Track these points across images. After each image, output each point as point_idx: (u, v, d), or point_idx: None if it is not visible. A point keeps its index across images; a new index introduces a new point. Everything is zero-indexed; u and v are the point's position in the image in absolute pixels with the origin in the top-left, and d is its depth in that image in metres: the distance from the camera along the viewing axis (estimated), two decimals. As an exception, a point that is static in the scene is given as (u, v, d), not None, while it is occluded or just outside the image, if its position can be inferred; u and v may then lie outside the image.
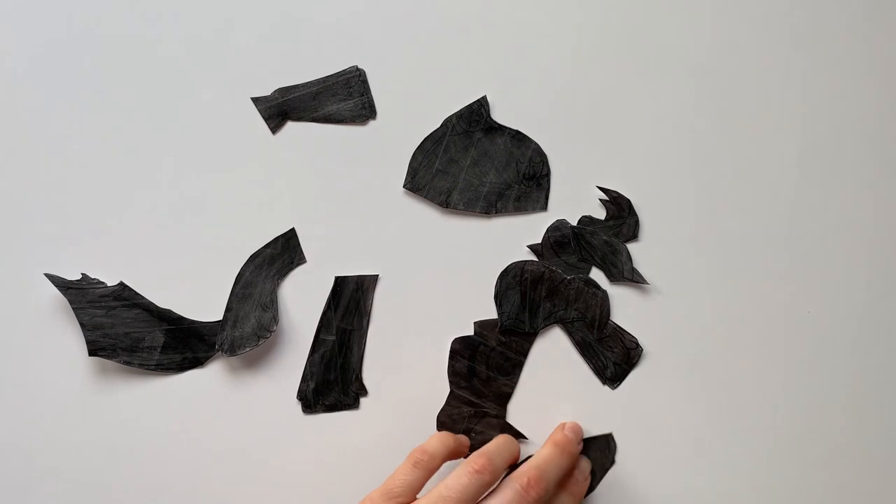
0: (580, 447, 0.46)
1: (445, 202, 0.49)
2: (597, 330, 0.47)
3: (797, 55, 0.49)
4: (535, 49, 0.49)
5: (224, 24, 0.49)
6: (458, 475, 0.42)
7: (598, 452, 0.47)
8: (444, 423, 0.47)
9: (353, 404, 0.48)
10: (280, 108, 0.49)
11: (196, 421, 0.47)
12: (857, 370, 0.48)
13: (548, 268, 0.47)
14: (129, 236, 0.48)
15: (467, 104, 0.49)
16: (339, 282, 0.48)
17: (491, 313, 0.48)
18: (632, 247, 0.48)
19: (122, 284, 0.48)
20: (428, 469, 0.43)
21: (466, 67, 0.49)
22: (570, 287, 0.47)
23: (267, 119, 0.49)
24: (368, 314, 0.48)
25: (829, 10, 0.50)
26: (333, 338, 0.48)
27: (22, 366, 0.48)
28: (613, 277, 0.48)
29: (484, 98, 0.49)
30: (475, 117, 0.49)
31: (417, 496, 0.42)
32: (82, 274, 0.47)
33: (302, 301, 0.48)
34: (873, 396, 0.48)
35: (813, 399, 0.48)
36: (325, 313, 0.48)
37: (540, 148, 0.49)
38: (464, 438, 0.47)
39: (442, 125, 0.49)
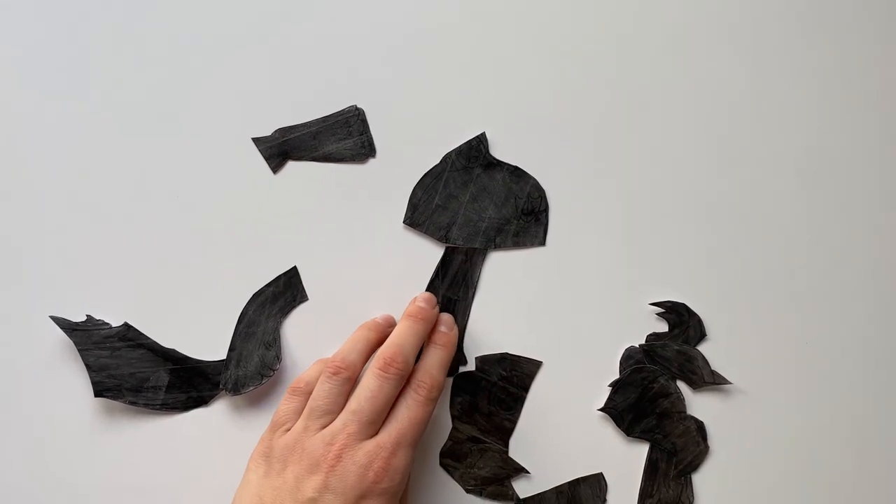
0: (436, 311, 0.47)
1: (445, 237, 0.49)
2: (675, 471, 0.47)
3: (805, 98, 0.50)
4: (533, 86, 0.50)
5: (225, 65, 0.50)
6: (319, 383, 0.43)
7: (588, 491, 0.47)
8: (446, 457, 0.48)
9: (453, 372, 0.48)
10: (281, 148, 0.50)
11: (201, 459, 0.48)
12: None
13: (678, 393, 0.47)
14: (133, 277, 0.49)
15: (466, 140, 0.50)
16: (449, 252, 0.49)
17: (488, 347, 0.48)
18: (703, 347, 0.48)
19: (126, 325, 0.48)
20: (305, 393, 0.44)
21: (465, 104, 0.50)
22: (682, 422, 0.47)
23: (268, 159, 0.50)
24: (475, 286, 0.49)
25: (830, 40, 0.50)
26: (438, 306, 0.48)
27: (29, 407, 0.48)
28: (696, 385, 0.48)
29: (483, 134, 0.50)
30: (474, 153, 0.50)
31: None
32: (87, 315, 0.48)
33: (305, 339, 0.49)
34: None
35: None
36: (432, 282, 0.49)
37: (538, 183, 0.49)
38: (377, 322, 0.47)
39: (441, 161, 0.50)
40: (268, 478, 0.41)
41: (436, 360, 0.45)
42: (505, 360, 0.48)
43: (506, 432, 0.48)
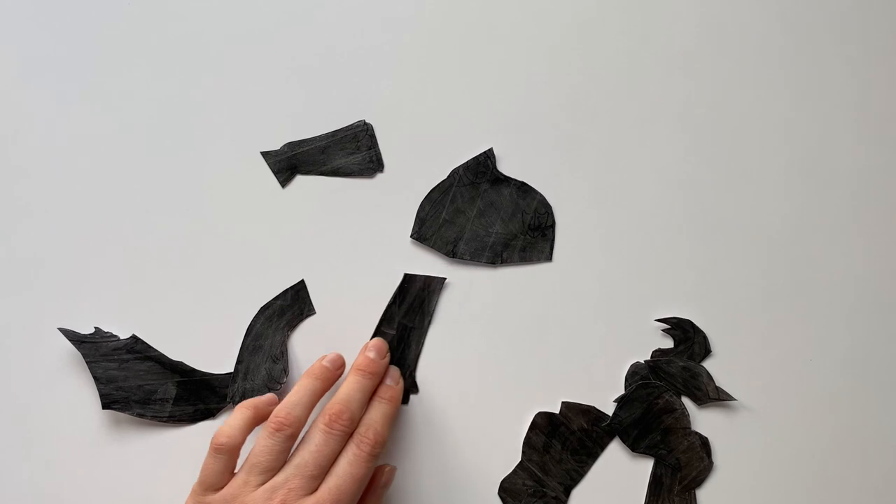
0: (385, 361, 0.47)
1: (452, 252, 0.49)
2: (680, 487, 0.47)
3: (815, 116, 0.50)
4: (540, 102, 0.50)
5: (234, 79, 0.50)
6: (261, 438, 0.42)
7: None
8: (507, 490, 0.48)
9: (403, 401, 0.48)
10: (289, 163, 0.50)
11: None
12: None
13: (682, 408, 0.48)
14: (142, 290, 0.49)
15: (474, 156, 0.50)
16: (407, 279, 0.49)
17: (495, 364, 0.49)
18: (708, 363, 0.48)
19: (134, 337, 0.48)
20: (231, 451, 0.43)
21: (473, 120, 0.50)
22: (686, 437, 0.47)
23: (276, 173, 0.50)
24: (431, 315, 0.49)
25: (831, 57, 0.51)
26: (394, 332, 0.49)
27: (37, 419, 0.48)
28: (701, 401, 0.48)
29: (490, 150, 0.50)
30: (481, 169, 0.50)
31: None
32: (95, 328, 0.48)
33: (312, 352, 0.49)
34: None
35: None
36: (389, 307, 0.49)
37: (545, 199, 0.50)
38: (264, 399, 0.46)
39: (449, 176, 0.50)
40: None
41: (380, 414, 0.45)
42: (590, 412, 0.48)
43: (570, 482, 0.48)
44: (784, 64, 0.50)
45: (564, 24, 0.51)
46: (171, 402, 0.48)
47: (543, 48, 0.51)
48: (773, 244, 0.49)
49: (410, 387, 0.49)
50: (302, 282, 0.49)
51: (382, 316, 0.49)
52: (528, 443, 0.48)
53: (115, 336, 0.48)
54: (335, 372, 0.46)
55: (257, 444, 0.42)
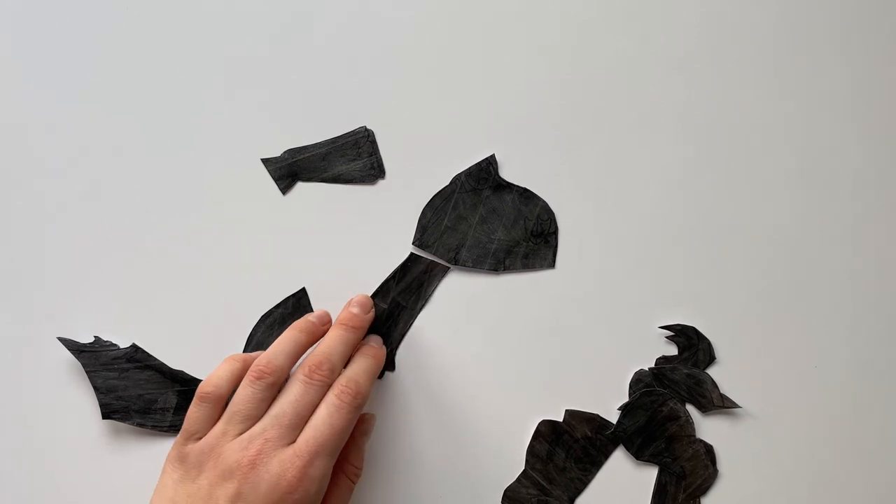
0: (370, 316, 0.47)
1: (454, 259, 0.49)
2: (684, 495, 0.47)
3: (821, 120, 0.50)
4: (542, 108, 0.50)
5: (234, 86, 0.50)
6: (241, 388, 0.42)
7: None
8: (510, 499, 0.47)
9: (381, 375, 0.48)
10: (290, 169, 0.49)
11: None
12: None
13: (687, 416, 0.47)
14: (141, 299, 0.49)
15: (476, 162, 0.50)
16: (412, 258, 0.49)
17: (498, 372, 0.48)
18: (713, 371, 0.48)
19: (134, 346, 0.48)
20: (215, 400, 0.42)
21: (474, 126, 0.50)
22: (691, 445, 0.47)
23: (277, 180, 0.49)
24: (426, 299, 0.49)
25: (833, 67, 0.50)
26: (385, 307, 0.49)
27: (37, 429, 0.48)
28: (705, 408, 0.48)
29: (492, 156, 0.50)
30: (484, 175, 0.50)
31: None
32: (95, 337, 0.48)
33: (313, 360, 0.49)
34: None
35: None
36: (386, 281, 0.49)
37: (548, 206, 0.49)
38: (254, 354, 0.45)
39: (451, 182, 0.50)
40: (183, 483, 0.41)
41: (363, 367, 0.44)
42: (594, 420, 0.48)
43: (574, 492, 0.48)
44: (786, 66, 0.50)
45: (565, 30, 0.50)
46: (172, 411, 0.48)
47: (545, 53, 0.50)
48: (778, 250, 0.49)
49: (388, 364, 0.48)
50: (303, 290, 0.49)
51: (378, 288, 0.49)
52: (531, 451, 0.48)
53: (115, 345, 0.48)
54: (321, 327, 0.45)
55: (237, 394, 0.42)
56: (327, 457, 0.41)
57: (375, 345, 0.47)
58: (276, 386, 0.42)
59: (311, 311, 0.49)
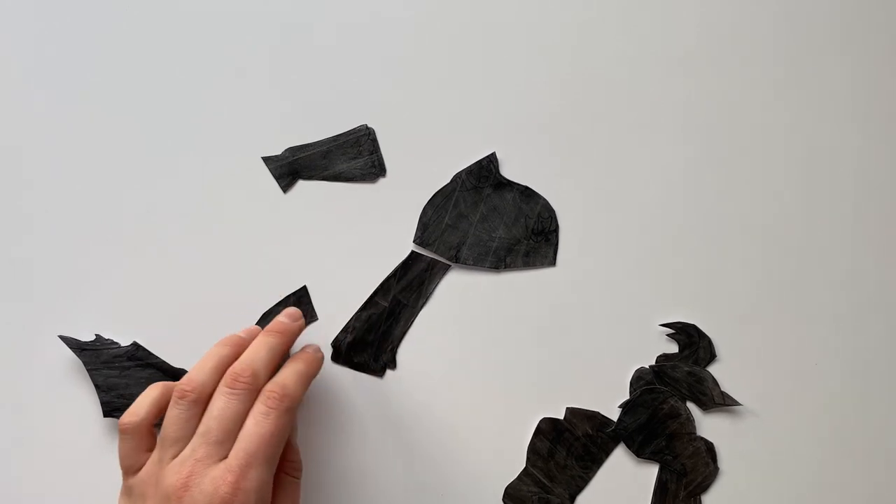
0: (298, 324, 0.45)
1: (455, 257, 0.49)
2: (685, 493, 0.47)
3: (823, 118, 0.50)
4: (543, 106, 0.50)
5: (235, 84, 0.50)
6: (168, 411, 0.41)
7: None
8: (511, 497, 0.47)
9: (378, 372, 0.48)
10: (291, 168, 0.49)
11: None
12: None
13: (687, 414, 0.47)
14: (142, 297, 0.49)
15: (476, 160, 0.50)
16: (413, 256, 0.49)
17: (499, 370, 0.48)
18: (713, 368, 0.48)
19: (135, 344, 0.48)
20: (136, 430, 0.41)
21: (475, 124, 0.50)
22: (691, 442, 0.47)
23: (278, 178, 0.49)
24: (427, 297, 0.49)
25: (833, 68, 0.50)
26: (387, 304, 0.49)
27: (37, 427, 0.48)
28: (706, 406, 0.48)
29: (493, 154, 0.50)
30: (484, 173, 0.50)
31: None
32: (96, 335, 0.48)
33: (314, 358, 0.49)
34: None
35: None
36: (388, 279, 0.49)
37: (548, 203, 0.49)
38: (170, 383, 0.44)
39: (452, 181, 0.50)
40: None
41: (290, 370, 0.42)
42: (595, 418, 0.48)
43: (575, 489, 0.48)
44: (787, 65, 0.50)
45: (566, 28, 0.51)
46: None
47: (545, 52, 0.50)
48: (778, 248, 0.49)
49: (389, 362, 0.48)
50: (304, 288, 0.49)
51: (379, 286, 0.49)
52: (532, 449, 0.48)
53: (116, 343, 0.48)
54: (248, 340, 0.44)
55: (165, 417, 0.41)
56: (262, 466, 0.39)
57: (310, 350, 0.45)
58: (200, 402, 0.41)
59: (312, 309, 0.49)
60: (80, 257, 0.49)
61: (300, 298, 0.49)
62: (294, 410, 0.41)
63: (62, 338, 0.47)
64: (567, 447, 0.48)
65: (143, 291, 0.49)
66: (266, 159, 0.50)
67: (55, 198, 0.49)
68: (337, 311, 0.49)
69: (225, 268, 0.49)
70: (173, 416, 0.40)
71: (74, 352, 0.47)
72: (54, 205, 0.49)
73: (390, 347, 0.48)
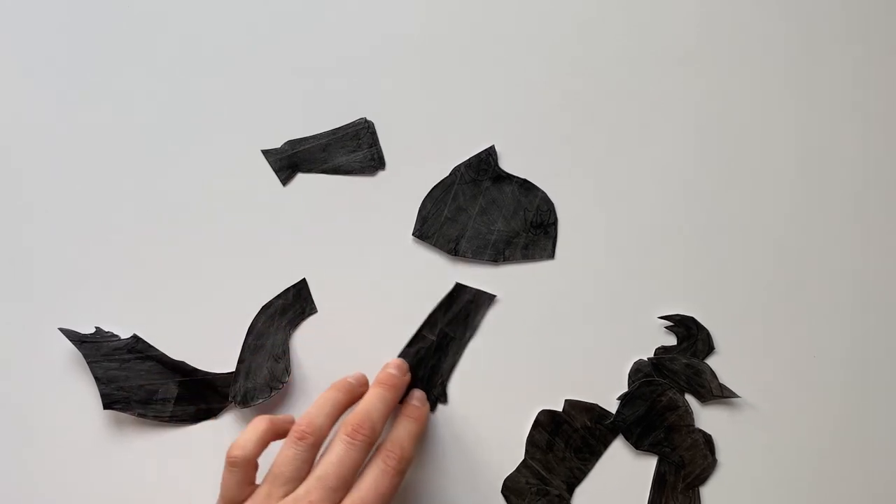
0: (407, 378, 0.47)
1: (454, 250, 0.49)
2: (683, 484, 0.47)
3: (818, 114, 0.50)
4: (542, 99, 0.50)
5: (234, 78, 0.50)
6: (283, 449, 0.42)
7: None
8: (510, 488, 0.48)
9: (430, 408, 0.48)
10: (290, 161, 0.50)
11: (210, 472, 0.48)
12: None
13: (686, 406, 0.48)
14: (142, 289, 0.49)
15: (475, 153, 0.50)
16: (458, 288, 0.49)
17: (497, 362, 0.48)
18: (712, 361, 0.48)
19: (135, 337, 0.48)
20: (245, 464, 0.42)
21: (474, 117, 0.50)
22: (690, 435, 0.47)
23: (277, 171, 0.50)
24: (474, 329, 0.49)
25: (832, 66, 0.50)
26: (434, 338, 0.49)
27: (37, 420, 0.48)
28: (704, 398, 0.48)
29: (492, 147, 0.50)
30: (483, 166, 0.50)
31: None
32: (96, 328, 0.48)
33: (314, 351, 0.49)
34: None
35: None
36: (434, 312, 0.49)
37: (547, 196, 0.49)
38: (281, 417, 0.45)
39: (451, 174, 0.50)
40: None
41: (406, 431, 0.44)
42: (593, 410, 0.48)
43: (574, 481, 0.48)
44: (786, 61, 0.50)
45: (566, 22, 0.51)
46: (173, 401, 0.48)
47: (544, 45, 0.50)
48: (777, 241, 0.49)
49: (440, 396, 0.48)
50: (303, 280, 0.49)
51: (426, 320, 0.49)
52: (531, 441, 0.48)
53: (116, 336, 0.48)
54: (359, 388, 0.46)
55: (279, 455, 0.42)
56: None
57: (418, 403, 0.47)
58: (317, 446, 0.42)
59: (312, 301, 0.49)
60: (81, 250, 0.49)
61: (300, 291, 0.49)
62: (406, 471, 0.43)
63: (62, 330, 0.47)
64: (566, 439, 0.48)
65: (142, 284, 0.49)
66: (266, 152, 0.50)
67: (55, 190, 0.50)
68: (337, 304, 0.49)
69: (224, 260, 0.49)
70: (290, 455, 0.41)
71: (75, 344, 0.47)
72: (54, 197, 0.49)
73: (440, 381, 0.48)
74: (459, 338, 0.49)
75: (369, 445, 0.42)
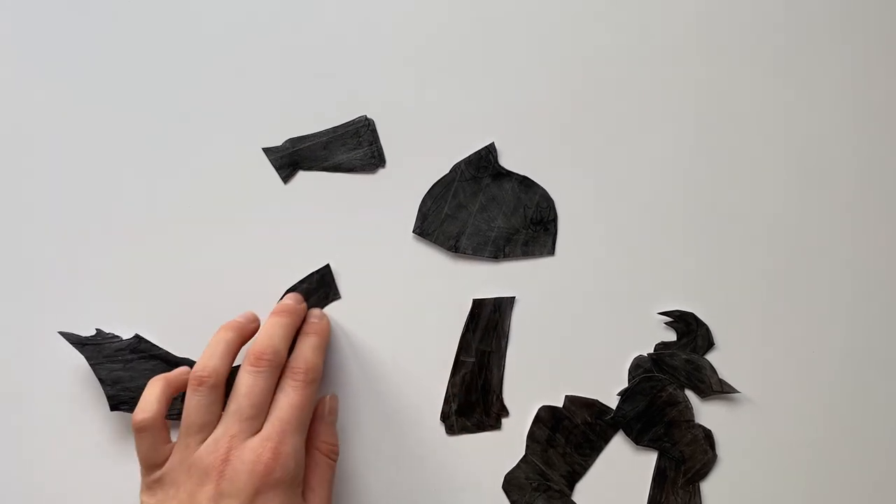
0: (303, 307, 0.47)
1: (454, 247, 0.49)
2: (684, 479, 0.48)
3: (818, 109, 0.50)
4: (542, 96, 0.50)
5: (235, 75, 0.50)
6: (187, 400, 0.42)
7: None
8: (511, 484, 0.48)
9: (496, 425, 0.49)
10: (291, 158, 0.49)
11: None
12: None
13: (686, 401, 0.48)
14: (143, 289, 0.49)
15: (475, 150, 0.50)
16: (477, 304, 0.49)
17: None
18: (711, 356, 0.49)
19: (137, 337, 0.48)
20: (153, 426, 0.42)
21: (474, 115, 0.50)
22: (690, 430, 0.48)
23: (278, 169, 0.50)
24: (507, 335, 0.49)
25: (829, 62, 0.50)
26: (473, 359, 0.49)
27: (44, 425, 0.48)
28: (704, 393, 0.48)
29: (492, 144, 0.50)
30: (483, 163, 0.50)
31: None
32: (97, 329, 0.48)
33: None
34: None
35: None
36: (464, 335, 0.49)
37: (547, 193, 0.50)
38: (174, 371, 0.45)
39: (451, 171, 0.50)
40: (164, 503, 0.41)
41: (308, 345, 0.45)
42: (593, 406, 0.48)
43: (574, 476, 0.48)
44: (786, 57, 0.50)
45: (565, 18, 0.50)
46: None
47: (544, 42, 0.50)
48: (777, 237, 0.49)
49: (501, 410, 0.49)
50: (327, 266, 0.49)
51: (459, 345, 0.49)
52: (531, 437, 0.48)
53: (118, 337, 0.48)
54: (248, 325, 0.46)
55: (185, 406, 0.42)
56: (296, 434, 0.41)
57: (316, 319, 0.47)
58: (218, 387, 0.42)
59: (335, 286, 0.49)
60: (81, 251, 0.49)
61: (323, 276, 0.49)
62: (318, 381, 0.44)
63: (62, 334, 0.47)
64: (566, 435, 0.48)
65: (142, 283, 0.49)
66: (266, 150, 0.50)
67: (55, 190, 0.49)
68: (337, 304, 0.49)
69: (225, 259, 0.49)
70: (194, 403, 0.42)
71: (76, 347, 0.47)
72: (55, 196, 0.49)
73: (495, 397, 0.49)
74: (496, 350, 0.49)
75: (276, 369, 0.43)
